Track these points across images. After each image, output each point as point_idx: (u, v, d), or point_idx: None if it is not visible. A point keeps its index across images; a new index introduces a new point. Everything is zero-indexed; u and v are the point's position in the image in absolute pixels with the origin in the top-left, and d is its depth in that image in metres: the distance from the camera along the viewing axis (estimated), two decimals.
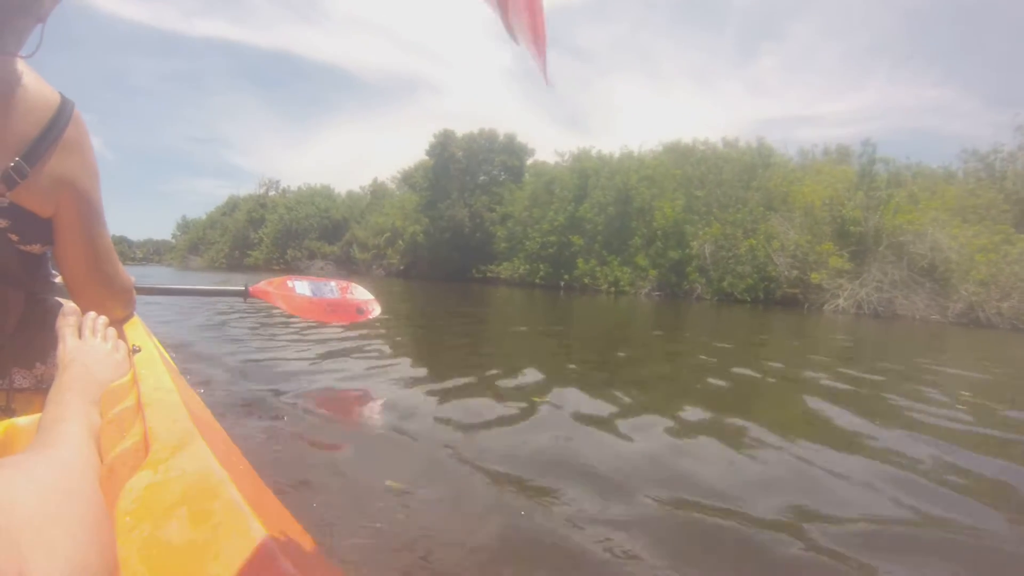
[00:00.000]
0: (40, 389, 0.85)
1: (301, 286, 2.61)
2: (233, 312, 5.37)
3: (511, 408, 2.27)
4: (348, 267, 31.45)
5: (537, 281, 20.67)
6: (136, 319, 1.09)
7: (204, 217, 51.63)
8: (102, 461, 0.49)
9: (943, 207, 13.99)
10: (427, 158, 27.79)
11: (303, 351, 3.39)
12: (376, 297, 2.78)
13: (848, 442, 2.01)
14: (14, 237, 0.80)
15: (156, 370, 0.73)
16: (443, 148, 26.52)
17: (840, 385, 3.13)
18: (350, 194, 38.56)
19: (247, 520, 0.35)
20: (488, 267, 23.55)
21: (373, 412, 2.23)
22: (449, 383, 2.73)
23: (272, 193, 43.59)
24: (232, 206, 46.10)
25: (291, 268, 33.15)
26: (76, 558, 0.31)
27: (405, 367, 3.11)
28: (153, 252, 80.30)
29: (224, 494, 0.38)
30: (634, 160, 21.11)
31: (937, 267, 12.91)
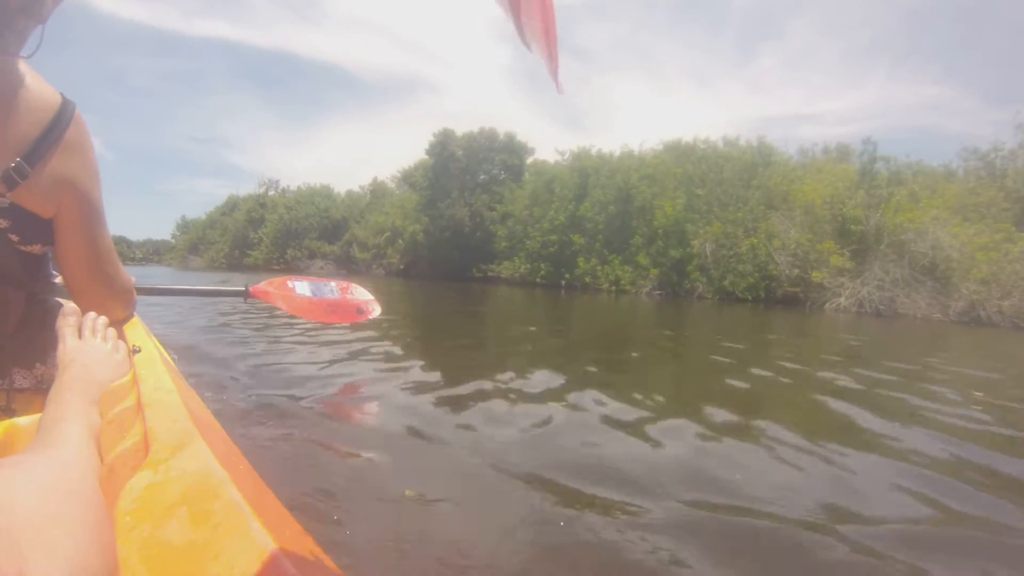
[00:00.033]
0: (40, 389, 0.85)
1: (301, 286, 2.61)
2: (235, 313, 5.36)
3: (530, 412, 2.23)
4: (348, 267, 31.45)
5: (538, 280, 20.66)
6: (136, 319, 1.09)
7: (204, 217, 51.65)
8: (102, 461, 0.49)
9: (944, 205, 13.97)
10: (427, 157, 27.77)
11: (307, 353, 3.38)
12: (376, 297, 2.78)
13: (871, 443, 2.03)
14: (15, 237, 0.80)
15: (156, 370, 0.73)
16: (443, 147, 26.51)
17: (856, 385, 3.14)
18: (350, 193, 38.58)
19: (247, 520, 0.35)
20: (489, 266, 23.53)
21: (380, 414, 2.18)
22: (461, 386, 2.66)
23: (272, 193, 43.61)
24: (232, 206, 46.09)
25: (291, 268, 33.15)
26: (76, 558, 0.31)
27: (412, 368, 3.07)
28: (153, 252, 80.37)
29: (224, 494, 0.38)
30: (635, 159, 21.10)
31: (938, 265, 12.90)
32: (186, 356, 2.97)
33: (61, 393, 0.59)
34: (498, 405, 2.32)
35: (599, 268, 18.98)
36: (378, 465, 1.59)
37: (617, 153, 22.07)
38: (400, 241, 28.07)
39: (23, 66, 0.76)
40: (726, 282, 15.96)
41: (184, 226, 56.99)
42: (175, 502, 0.38)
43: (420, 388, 2.60)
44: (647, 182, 19.00)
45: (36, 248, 0.83)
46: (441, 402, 2.35)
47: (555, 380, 2.86)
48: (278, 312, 3.91)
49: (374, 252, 30.20)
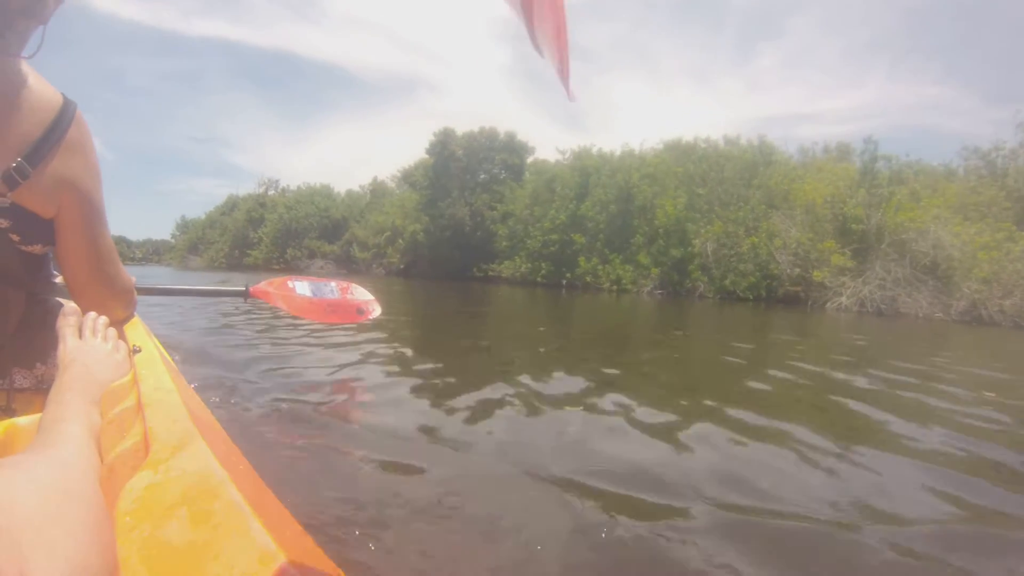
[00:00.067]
0: (40, 389, 0.85)
1: (301, 286, 2.61)
2: (237, 313, 5.35)
3: (552, 416, 2.19)
4: (348, 266, 31.45)
5: (539, 280, 20.66)
6: (136, 319, 1.09)
7: (203, 217, 51.71)
8: (102, 461, 0.49)
9: (945, 205, 13.95)
10: (427, 156, 27.77)
11: (312, 354, 3.35)
12: (377, 297, 2.78)
13: (893, 444, 2.04)
14: (15, 237, 0.80)
15: (156, 370, 0.73)
16: (443, 146, 26.51)
17: (870, 386, 3.16)
18: (350, 193, 38.60)
19: (247, 520, 0.35)
20: (489, 266, 23.53)
21: (395, 416, 2.12)
22: (476, 389, 2.57)
23: (271, 192, 43.66)
24: (231, 206, 46.13)
25: (291, 267, 33.15)
26: (76, 558, 0.31)
27: (422, 370, 3.01)
28: (152, 252, 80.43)
29: (224, 494, 0.38)
30: (635, 158, 21.09)
31: (939, 265, 12.88)
32: (187, 356, 2.97)
33: (61, 393, 0.59)
34: (518, 409, 2.27)
35: (600, 267, 18.98)
36: (398, 469, 1.54)
37: (618, 152, 22.10)
38: (400, 241, 28.07)
39: (25, 67, 0.77)
40: (727, 281, 15.95)
41: (184, 226, 57.04)
42: (175, 502, 0.38)
43: (433, 390, 2.55)
44: (648, 181, 18.99)
45: (37, 248, 0.83)
46: (457, 405, 2.28)
47: (572, 382, 2.84)
48: (281, 313, 3.89)
49: (374, 252, 30.20)
